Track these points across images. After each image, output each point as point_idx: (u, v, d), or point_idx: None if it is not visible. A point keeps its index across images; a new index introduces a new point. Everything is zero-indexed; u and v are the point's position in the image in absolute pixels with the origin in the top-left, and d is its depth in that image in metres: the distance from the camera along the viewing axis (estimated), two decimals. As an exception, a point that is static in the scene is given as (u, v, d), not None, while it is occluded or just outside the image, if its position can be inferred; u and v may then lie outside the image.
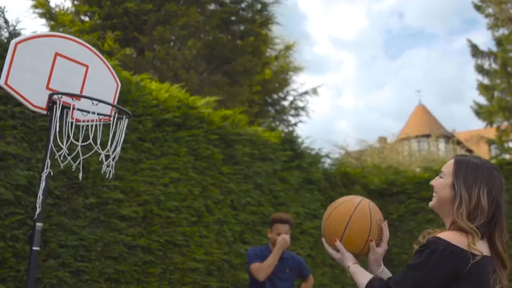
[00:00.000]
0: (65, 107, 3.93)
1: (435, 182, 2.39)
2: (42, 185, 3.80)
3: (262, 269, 4.91)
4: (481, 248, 2.14)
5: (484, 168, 2.27)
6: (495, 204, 2.22)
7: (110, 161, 4.10)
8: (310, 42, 61.30)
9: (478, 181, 2.23)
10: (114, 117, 4.15)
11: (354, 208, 2.48)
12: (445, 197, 2.30)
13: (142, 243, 5.79)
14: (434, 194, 2.38)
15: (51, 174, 3.91)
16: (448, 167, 2.34)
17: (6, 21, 5.12)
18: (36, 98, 3.88)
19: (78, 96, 4.00)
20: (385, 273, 2.54)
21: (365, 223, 2.45)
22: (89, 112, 3.99)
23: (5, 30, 5.10)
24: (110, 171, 4.12)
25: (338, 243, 2.45)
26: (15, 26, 5.15)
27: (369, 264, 2.54)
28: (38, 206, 3.79)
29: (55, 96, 3.90)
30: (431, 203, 2.39)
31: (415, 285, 2.13)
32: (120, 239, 5.60)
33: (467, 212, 2.19)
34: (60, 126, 3.89)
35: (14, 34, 5.07)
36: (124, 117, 4.21)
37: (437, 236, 2.18)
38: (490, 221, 2.21)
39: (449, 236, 2.16)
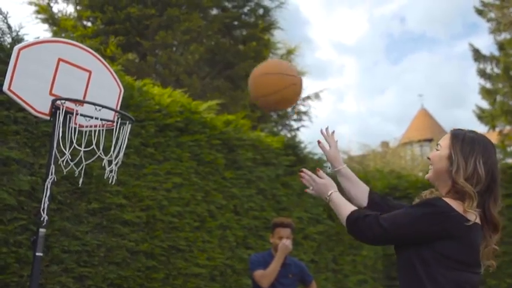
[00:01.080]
0: (68, 113, 3.93)
1: (432, 154, 2.47)
2: (48, 192, 3.80)
3: (265, 276, 4.90)
4: (473, 215, 2.21)
5: (480, 142, 2.35)
6: (491, 174, 2.30)
7: (112, 167, 4.10)
8: (311, 47, 61.41)
9: (474, 152, 2.30)
10: (117, 122, 4.15)
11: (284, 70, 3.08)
12: (442, 168, 2.37)
13: (145, 248, 5.79)
14: (430, 166, 2.46)
15: (55, 180, 3.91)
16: (445, 140, 2.42)
17: (9, 27, 5.12)
18: (39, 104, 3.88)
19: (81, 102, 4.00)
20: (348, 171, 2.81)
21: (279, 82, 2.96)
22: (92, 117, 3.99)
23: (8, 35, 5.11)
24: (113, 176, 4.12)
25: (321, 173, 2.69)
26: (18, 31, 5.15)
27: (331, 164, 2.83)
28: (42, 211, 3.79)
29: (58, 102, 3.90)
30: (427, 175, 2.48)
31: (401, 226, 2.22)
32: (123, 244, 5.59)
33: (465, 178, 2.26)
34: (63, 132, 3.89)
35: (17, 40, 5.07)
36: (127, 122, 4.21)
37: (438, 197, 2.29)
38: (485, 190, 2.29)
39: (447, 199, 2.24)
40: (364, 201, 2.73)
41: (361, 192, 2.77)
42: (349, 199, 2.70)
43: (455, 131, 2.43)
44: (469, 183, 2.24)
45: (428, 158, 2.48)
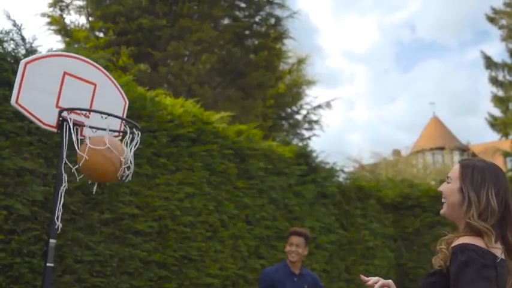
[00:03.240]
0: (75, 124, 3.95)
1: (443, 187, 2.38)
2: (62, 200, 3.82)
3: None
4: (498, 250, 2.13)
5: (491, 171, 2.28)
6: (504, 204, 2.22)
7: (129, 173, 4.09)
8: (322, 56, 61.33)
9: (486, 183, 2.22)
10: (125, 132, 4.15)
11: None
12: (455, 202, 2.29)
13: (157, 258, 5.79)
14: (443, 200, 2.38)
15: (64, 189, 3.92)
16: (455, 172, 2.34)
17: (23, 39, 5.18)
18: (46, 116, 3.91)
19: (86, 111, 4.03)
20: None
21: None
22: (98, 129, 4.01)
23: (22, 47, 5.16)
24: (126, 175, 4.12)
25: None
26: (32, 43, 5.20)
27: None
28: (56, 220, 3.80)
29: (65, 113, 3.92)
30: (442, 211, 2.40)
31: None
32: (136, 254, 5.60)
33: (478, 214, 2.17)
34: (72, 143, 3.90)
35: (30, 51, 5.12)
36: (136, 132, 4.20)
37: (464, 243, 2.12)
38: (501, 221, 2.21)
39: (472, 240, 2.12)
40: None
41: None
42: None
43: (464, 161, 2.37)
44: (483, 217, 2.17)
45: (440, 191, 2.39)
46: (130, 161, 4.08)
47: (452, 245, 2.17)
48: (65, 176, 3.89)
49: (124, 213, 5.57)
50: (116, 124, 4.21)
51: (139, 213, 5.72)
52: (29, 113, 3.85)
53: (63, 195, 3.86)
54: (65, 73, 4.05)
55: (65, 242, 4.98)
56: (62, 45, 12.72)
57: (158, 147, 6.06)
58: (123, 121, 4.26)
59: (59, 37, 12.91)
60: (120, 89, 4.49)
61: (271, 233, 7.26)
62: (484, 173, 2.26)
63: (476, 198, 2.20)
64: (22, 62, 3.83)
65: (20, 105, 3.79)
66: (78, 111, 4.03)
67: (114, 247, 5.43)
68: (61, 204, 3.85)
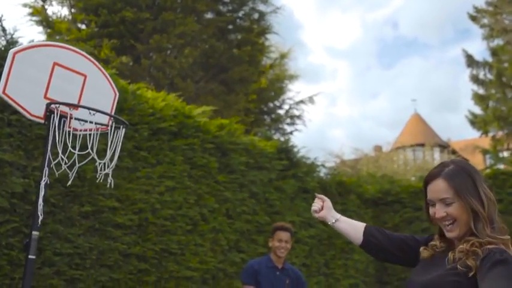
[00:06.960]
0: (63, 116, 3.94)
1: (449, 210, 2.11)
2: (42, 193, 3.81)
3: None
4: None
5: (469, 168, 2.15)
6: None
7: (106, 170, 4.11)
8: (305, 51, 61.49)
9: (477, 182, 2.10)
10: (111, 126, 4.16)
11: None
12: (468, 219, 2.08)
13: (137, 251, 5.80)
14: (451, 222, 2.12)
15: (48, 182, 3.92)
16: (446, 189, 2.12)
17: (3, 30, 5.14)
18: (34, 107, 3.90)
19: (75, 106, 4.02)
20: (344, 217, 2.61)
21: None
22: (86, 121, 4.00)
23: (3, 38, 5.12)
24: (111, 180, 4.13)
25: None
26: (13, 34, 5.17)
27: (328, 219, 2.60)
28: (40, 213, 3.80)
29: (52, 106, 3.91)
30: (453, 234, 2.12)
31: None
32: (115, 247, 5.61)
33: (488, 218, 2.05)
34: (58, 135, 3.90)
35: (11, 42, 5.09)
36: (121, 126, 4.23)
37: (502, 248, 1.99)
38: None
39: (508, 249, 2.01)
40: (360, 238, 2.53)
41: (360, 230, 2.55)
42: (351, 241, 2.56)
43: (444, 174, 2.13)
44: (491, 220, 2.05)
45: (447, 215, 2.11)
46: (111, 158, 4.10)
47: (488, 246, 1.99)
48: (46, 170, 3.89)
49: (104, 206, 5.56)
50: (105, 116, 4.20)
51: (120, 206, 5.72)
52: (16, 103, 3.83)
53: (42, 187, 3.85)
54: (54, 64, 4.02)
55: (44, 235, 4.97)
56: (43, 37, 12.63)
57: (139, 141, 6.06)
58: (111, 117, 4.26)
59: (40, 28, 12.80)
60: (111, 80, 4.47)
61: (251, 227, 7.30)
62: (464, 174, 2.12)
63: (480, 203, 2.06)
64: (10, 52, 3.80)
65: (7, 95, 3.76)
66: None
67: (93, 240, 5.43)
68: (41, 197, 3.84)
